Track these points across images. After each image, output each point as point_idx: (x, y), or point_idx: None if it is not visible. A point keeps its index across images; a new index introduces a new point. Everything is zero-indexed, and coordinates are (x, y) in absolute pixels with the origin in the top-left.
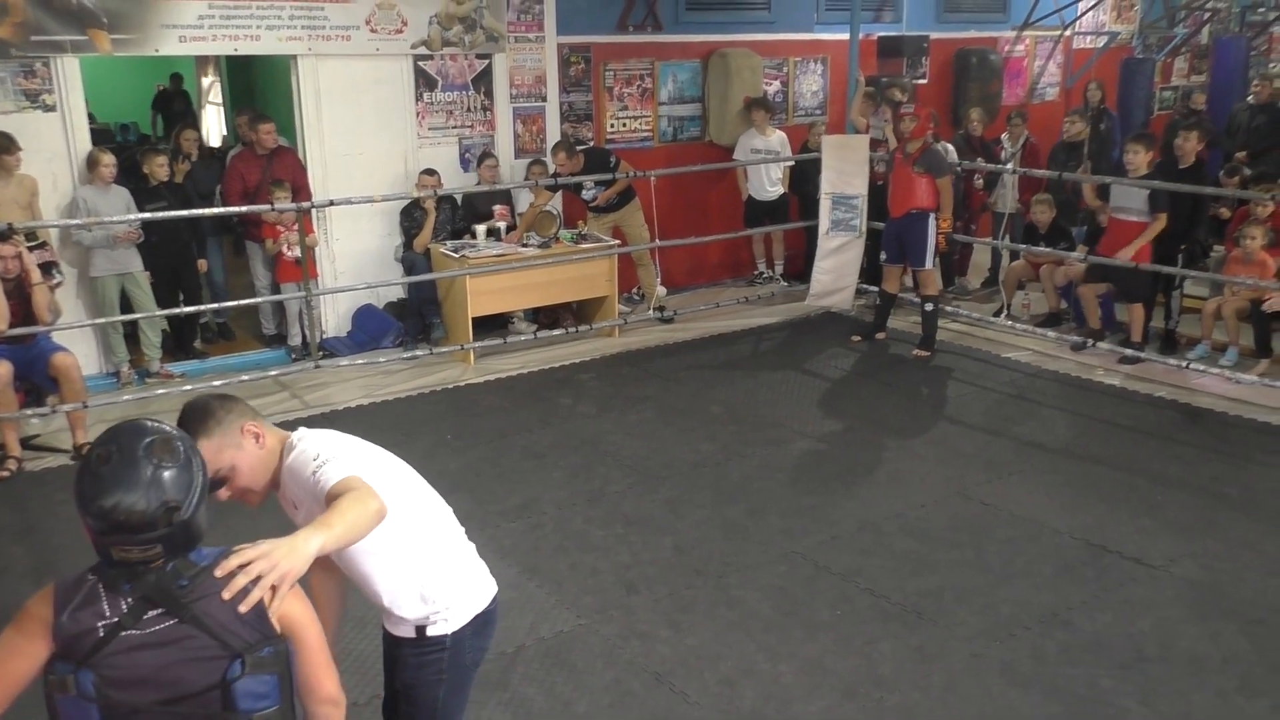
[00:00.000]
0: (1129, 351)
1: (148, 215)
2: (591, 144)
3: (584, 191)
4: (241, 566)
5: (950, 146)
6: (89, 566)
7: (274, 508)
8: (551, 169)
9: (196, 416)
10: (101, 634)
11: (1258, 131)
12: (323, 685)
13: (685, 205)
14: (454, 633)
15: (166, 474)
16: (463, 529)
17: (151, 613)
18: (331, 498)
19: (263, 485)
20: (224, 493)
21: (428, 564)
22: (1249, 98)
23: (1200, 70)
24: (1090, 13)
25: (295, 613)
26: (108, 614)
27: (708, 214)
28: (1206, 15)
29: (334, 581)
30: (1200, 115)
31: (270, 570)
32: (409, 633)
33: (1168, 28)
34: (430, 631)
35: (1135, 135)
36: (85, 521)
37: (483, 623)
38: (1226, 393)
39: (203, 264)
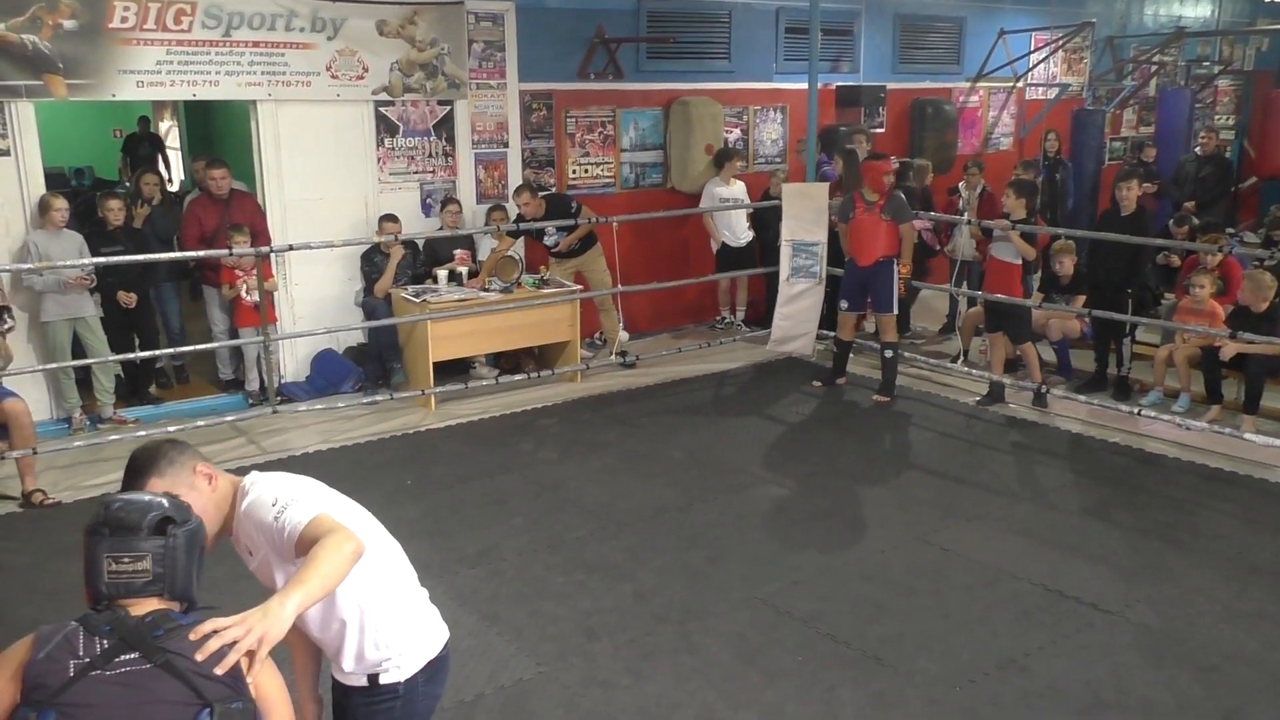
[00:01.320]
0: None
1: (99, 260)
2: (553, 190)
3: (546, 237)
4: (216, 632)
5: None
6: (76, 617)
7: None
8: (514, 212)
9: (147, 457)
10: (71, 673)
11: (1204, 182)
12: None
13: (647, 251)
14: (406, 680)
15: (167, 500)
16: (414, 573)
17: (125, 656)
18: (304, 541)
19: (213, 530)
20: None
21: (383, 609)
22: (1196, 149)
23: (1148, 122)
24: (1041, 65)
25: (268, 687)
26: (81, 654)
27: (670, 259)
28: (1153, 68)
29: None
30: (1143, 165)
31: (245, 635)
32: (360, 681)
33: (1116, 80)
34: (383, 679)
35: (1011, 183)
36: (86, 546)
37: (435, 669)
38: (1178, 439)
39: (131, 297)
